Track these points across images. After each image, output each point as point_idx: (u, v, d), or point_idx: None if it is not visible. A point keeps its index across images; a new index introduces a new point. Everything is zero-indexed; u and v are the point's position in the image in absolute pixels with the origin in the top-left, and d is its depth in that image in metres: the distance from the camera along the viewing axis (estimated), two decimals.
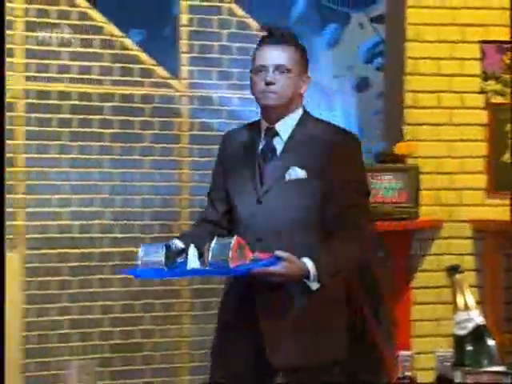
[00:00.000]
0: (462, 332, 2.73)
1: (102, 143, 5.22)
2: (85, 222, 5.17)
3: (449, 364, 2.71)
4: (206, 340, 5.20)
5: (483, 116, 5.39)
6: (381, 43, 6.14)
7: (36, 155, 5.09)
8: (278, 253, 2.83)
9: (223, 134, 3.38)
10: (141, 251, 2.95)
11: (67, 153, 5.15)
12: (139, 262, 2.93)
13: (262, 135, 3.14)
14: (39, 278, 5.08)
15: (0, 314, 1.53)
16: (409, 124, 5.35)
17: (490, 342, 2.73)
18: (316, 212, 3.03)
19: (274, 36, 3.10)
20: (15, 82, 5.05)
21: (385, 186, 5.11)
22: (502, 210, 5.27)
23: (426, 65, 5.35)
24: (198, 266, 2.89)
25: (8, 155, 5.02)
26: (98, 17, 5.19)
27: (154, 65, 5.31)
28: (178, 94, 5.37)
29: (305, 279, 2.87)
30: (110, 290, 5.21)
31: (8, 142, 5.02)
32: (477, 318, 2.74)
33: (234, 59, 5.40)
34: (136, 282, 5.20)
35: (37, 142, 5.09)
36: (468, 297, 2.75)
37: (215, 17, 5.39)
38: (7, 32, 5.00)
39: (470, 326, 2.72)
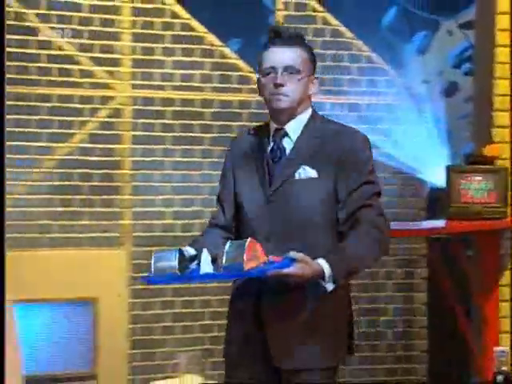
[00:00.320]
0: None
1: (202, 147, 5.25)
2: (186, 222, 5.21)
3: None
4: None
5: None
6: (469, 49, 6.04)
7: (141, 158, 5.14)
8: (292, 254, 2.66)
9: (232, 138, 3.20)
10: (153, 258, 2.77)
11: (170, 156, 5.20)
12: (152, 269, 2.75)
13: (271, 136, 2.95)
14: (144, 274, 5.12)
15: (0, 314, 1.50)
16: (497, 126, 5.25)
17: None
18: (326, 211, 2.87)
19: (281, 37, 2.90)
20: (123, 90, 5.12)
21: (474, 187, 5.02)
22: None
23: None
24: (211, 270, 2.72)
25: (115, 158, 5.09)
26: (199, 27, 5.23)
27: (251, 72, 5.32)
28: None
29: (320, 280, 2.70)
30: (210, 286, 5.23)
31: (115, 146, 5.10)
32: None
33: (327, 66, 5.38)
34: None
35: (142, 146, 5.14)
36: None
37: (310, 25, 5.38)
38: (115, 43, 5.09)
39: None
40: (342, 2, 5.44)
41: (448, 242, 5.23)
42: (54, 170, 4.98)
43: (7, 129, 4.80)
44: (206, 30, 5.23)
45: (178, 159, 5.21)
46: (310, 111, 2.96)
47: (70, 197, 5.02)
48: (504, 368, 2.69)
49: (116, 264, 5.05)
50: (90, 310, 4.93)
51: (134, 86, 5.14)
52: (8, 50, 4.81)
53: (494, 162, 5.12)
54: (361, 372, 5.40)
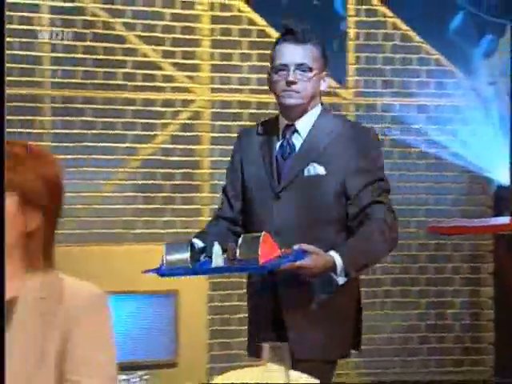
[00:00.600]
0: None
1: None
2: None
3: None
4: (371, 325, 5.22)
5: None
6: None
7: (219, 158, 5.20)
8: (304, 246, 2.58)
9: (239, 130, 3.12)
10: (164, 250, 2.66)
11: None
12: (164, 261, 2.65)
13: (281, 132, 2.84)
14: None
15: (0, 315, 1.54)
16: None
17: None
18: (334, 208, 2.77)
19: (294, 34, 2.79)
20: (202, 94, 5.19)
21: None
22: None
23: None
24: (223, 264, 2.63)
25: (195, 158, 5.16)
26: (274, 34, 5.25)
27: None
28: (345, 101, 5.38)
29: (331, 273, 2.63)
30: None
31: (195, 146, 5.17)
32: None
33: (396, 69, 5.38)
34: None
35: (220, 147, 5.20)
36: None
37: (380, 30, 5.38)
38: (195, 49, 5.16)
39: None
40: (411, 7, 5.42)
41: None
42: (138, 170, 5.06)
43: (97, 131, 4.95)
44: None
45: None
46: (319, 107, 2.85)
47: (152, 195, 5.10)
48: None
49: None
50: (173, 301, 5.00)
51: (213, 90, 5.20)
52: (96, 56, 4.93)
53: None
54: (430, 362, 5.38)
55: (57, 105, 4.92)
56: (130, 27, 5.02)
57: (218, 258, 2.63)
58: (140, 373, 1.61)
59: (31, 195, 1.77)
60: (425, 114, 5.41)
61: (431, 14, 5.43)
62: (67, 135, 4.90)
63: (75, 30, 4.92)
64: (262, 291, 2.84)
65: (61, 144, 4.81)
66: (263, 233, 2.58)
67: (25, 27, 4.86)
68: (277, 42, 2.87)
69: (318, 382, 2.07)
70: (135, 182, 5.07)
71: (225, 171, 5.14)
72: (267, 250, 2.56)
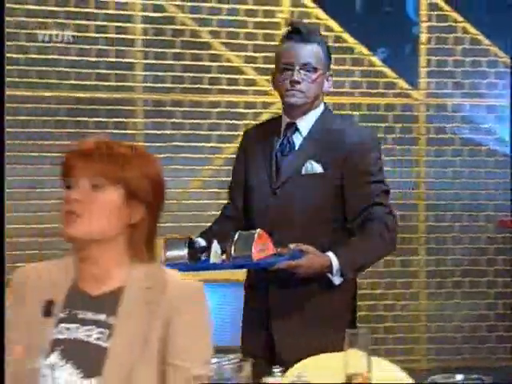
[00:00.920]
0: None
1: None
2: None
3: None
4: (441, 314, 5.19)
5: None
6: None
7: None
8: (302, 246, 2.47)
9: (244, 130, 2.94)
10: (164, 246, 2.54)
11: None
12: (163, 257, 2.52)
13: (282, 130, 2.70)
14: None
15: (0, 314, 1.53)
16: None
17: None
18: (330, 207, 2.63)
19: (299, 33, 2.64)
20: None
21: None
22: None
23: None
24: (220, 260, 2.50)
25: None
26: (349, 39, 5.26)
27: (396, 78, 5.31)
28: (416, 102, 5.35)
29: (328, 273, 2.51)
30: (393, 269, 5.26)
31: None
32: None
33: (466, 71, 5.32)
34: (379, 262, 5.23)
35: None
36: None
37: (451, 34, 5.32)
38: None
39: None
40: (479, 11, 5.36)
41: None
42: (222, 168, 5.10)
43: (185, 132, 5.02)
44: (355, 41, 5.26)
45: None
46: (322, 107, 2.70)
47: None
48: None
49: None
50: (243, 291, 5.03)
51: None
52: (184, 62, 4.99)
53: None
54: (498, 349, 5.32)
55: (148, 108, 5.00)
56: (215, 35, 5.07)
57: (215, 255, 2.52)
58: (230, 356, 1.63)
59: (136, 191, 1.81)
60: (494, 113, 5.35)
61: (498, 16, 5.35)
62: (158, 136, 4.97)
63: (165, 38, 4.99)
64: (256, 291, 2.71)
65: (152, 144, 4.88)
66: (258, 230, 2.48)
67: (120, 36, 4.95)
68: (282, 41, 2.72)
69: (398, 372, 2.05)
70: (219, 178, 5.11)
71: None
72: (262, 248, 2.45)
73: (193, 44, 4.97)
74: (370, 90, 5.30)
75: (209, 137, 5.08)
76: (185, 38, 5.02)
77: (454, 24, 5.34)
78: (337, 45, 5.23)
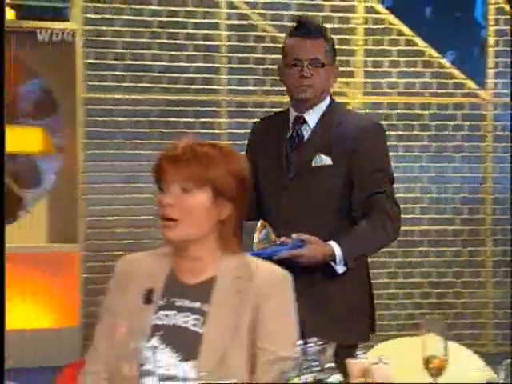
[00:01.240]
0: None
1: (421, 143, 5.24)
2: (409, 205, 5.21)
3: None
4: (508, 301, 5.11)
5: None
6: None
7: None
8: (304, 236, 2.37)
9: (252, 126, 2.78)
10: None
11: (395, 151, 5.21)
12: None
13: (291, 123, 2.57)
14: None
15: (0, 313, 1.48)
16: None
17: None
18: (340, 197, 2.51)
19: (307, 28, 2.52)
20: (354, 97, 5.19)
21: None
22: None
23: None
24: None
25: None
26: (420, 42, 5.21)
27: (464, 79, 5.25)
28: (484, 102, 5.27)
29: (331, 262, 2.40)
30: (428, 260, 5.23)
31: None
32: None
33: None
34: (448, 252, 5.20)
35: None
36: None
37: None
38: (351, 58, 5.17)
39: None
40: None
41: None
42: None
43: None
44: (426, 45, 5.21)
45: (400, 154, 5.22)
46: (328, 100, 2.57)
47: None
48: None
49: None
50: None
51: (365, 93, 5.19)
52: (265, 66, 5.03)
53: None
54: None
55: (232, 108, 5.05)
56: None
57: None
58: (315, 338, 1.62)
59: (222, 189, 1.80)
60: None
61: None
62: (241, 135, 4.99)
63: (247, 44, 5.03)
64: None
65: (235, 142, 4.92)
66: (260, 221, 2.40)
67: (207, 43, 5.01)
68: (289, 35, 2.57)
69: None
70: None
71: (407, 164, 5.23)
72: (264, 238, 2.36)
73: (273, 49, 4.99)
74: (440, 91, 5.25)
75: None
76: (266, 44, 5.05)
77: None
78: (408, 48, 5.19)
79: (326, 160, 2.51)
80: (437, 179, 5.25)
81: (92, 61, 4.85)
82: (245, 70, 5.04)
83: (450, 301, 5.24)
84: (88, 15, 4.83)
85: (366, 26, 5.17)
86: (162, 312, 1.82)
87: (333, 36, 5.02)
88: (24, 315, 4.84)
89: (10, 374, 1.73)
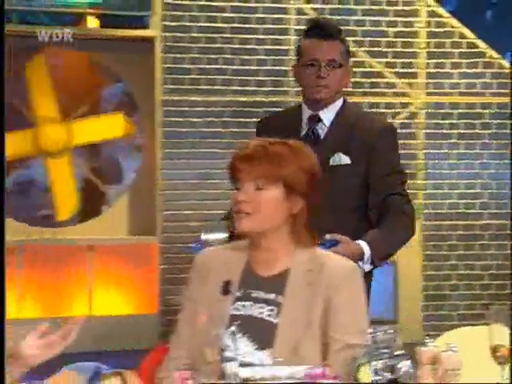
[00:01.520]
0: None
1: (482, 141, 5.18)
2: (469, 201, 5.13)
3: None
4: None
5: None
6: None
7: (432, 151, 5.14)
8: (337, 236, 2.32)
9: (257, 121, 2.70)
10: (204, 230, 2.39)
11: (455, 149, 5.17)
12: (203, 239, 2.38)
13: (304, 121, 2.49)
14: (432, 243, 5.14)
15: (0, 313, 1.45)
16: None
17: None
18: (356, 196, 2.45)
19: (323, 29, 2.45)
20: (417, 97, 5.12)
21: None
22: None
23: None
24: None
25: (411, 152, 5.09)
26: (481, 44, 5.13)
27: None
28: None
29: (358, 260, 2.34)
30: (489, 253, 5.14)
31: (411, 141, 5.12)
32: None
33: None
34: (508, 245, 5.11)
35: (432, 141, 5.14)
36: None
37: None
38: (413, 60, 5.12)
39: None
40: None
41: None
42: None
43: None
44: (486, 46, 5.12)
45: (462, 151, 5.15)
46: (341, 99, 2.51)
47: None
48: None
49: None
50: (392, 270, 5.00)
51: (428, 94, 5.13)
52: None
53: None
54: None
55: None
56: (358, 44, 5.06)
57: None
58: (385, 327, 1.61)
59: (293, 185, 1.81)
60: None
61: None
62: None
63: None
64: None
65: None
66: None
67: (276, 47, 5.01)
68: (306, 35, 2.50)
69: None
70: None
71: (437, 161, 5.19)
72: None
73: None
74: (500, 90, 5.14)
75: None
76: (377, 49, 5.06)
77: None
78: (469, 50, 5.11)
79: (345, 159, 2.45)
80: (496, 175, 5.17)
81: (170, 65, 4.92)
82: None
83: (509, 292, 5.14)
84: (167, 23, 4.91)
85: (429, 29, 5.11)
86: (239, 303, 1.84)
87: (397, 39, 5.09)
88: (107, 302, 4.94)
89: (100, 357, 1.76)
